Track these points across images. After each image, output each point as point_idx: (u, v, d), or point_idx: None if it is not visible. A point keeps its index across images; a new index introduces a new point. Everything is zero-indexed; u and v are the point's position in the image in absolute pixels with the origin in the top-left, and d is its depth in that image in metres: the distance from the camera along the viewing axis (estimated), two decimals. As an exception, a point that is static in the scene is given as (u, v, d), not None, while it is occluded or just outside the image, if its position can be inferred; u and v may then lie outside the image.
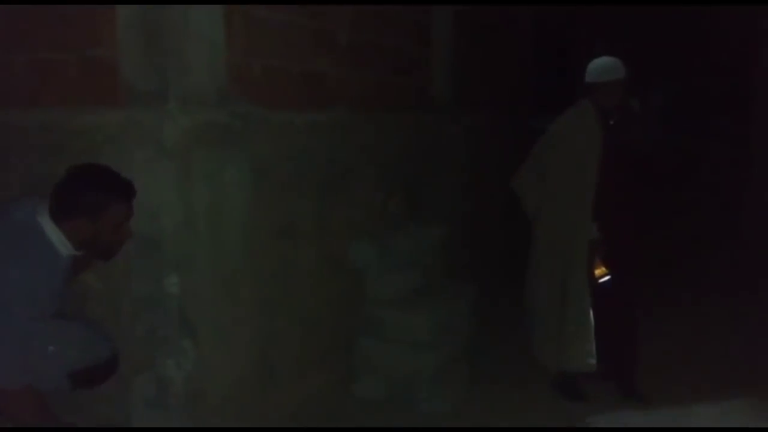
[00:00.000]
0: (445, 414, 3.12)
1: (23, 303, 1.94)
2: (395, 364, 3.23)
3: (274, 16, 2.65)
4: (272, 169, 2.64)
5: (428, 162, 4.04)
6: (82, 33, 2.31)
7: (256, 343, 2.65)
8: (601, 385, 3.34)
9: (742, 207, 6.00)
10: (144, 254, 2.25)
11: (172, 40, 2.20)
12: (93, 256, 2.16)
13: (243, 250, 2.51)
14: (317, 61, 2.98)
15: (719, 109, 6.59)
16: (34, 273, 1.95)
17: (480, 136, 4.78)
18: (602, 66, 3.15)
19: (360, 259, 3.29)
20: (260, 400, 2.69)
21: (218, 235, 2.38)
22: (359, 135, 3.29)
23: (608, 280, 3.13)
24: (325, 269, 3.07)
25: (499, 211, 5.14)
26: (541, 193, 3.27)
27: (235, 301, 2.49)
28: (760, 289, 4.96)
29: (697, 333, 4.21)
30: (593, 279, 3.12)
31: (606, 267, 3.12)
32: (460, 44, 4.40)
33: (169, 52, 2.20)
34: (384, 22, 3.53)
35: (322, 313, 3.07)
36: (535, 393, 3.35)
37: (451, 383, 3.29)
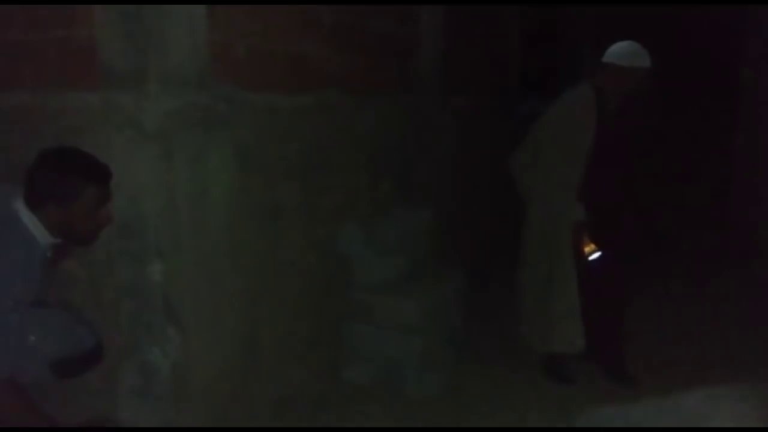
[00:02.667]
0: (434, 398, 3.11)
1: (11, 296, 1.89)
2: (383, 349, 3.21)
3: (257, -4, 2.59)
4: (256, 153, 2.59)
5: (416, 146, 4.00)
6: (59, 13, 2.24)
7: (243, 329, 2.61)
8: (591, 368, 3.34)
9: (731, 192, 6.02)
10: (126, 240, 2.21)
11: (153, 20, 2.13)
12: (71, 242, 2.10)
13: (227, 235, 2.47)
14: (303, 42, 2.93)
15: (707, 96, 6.60)
16: (10, 262, 1.89)
17: (468, 119, 4.75)
18: (630, 50, 3.03)
19: (347, 244, 3.26)
20: (247, 386, 2.66)
21: (201, 219, 2.34)
22: (346, 118, 3.25)
23: (598, 258, 3.10)
24: (311, 254, 3.03)
25: (488, 195, 5.12)
26: (534, 174, 3.25)
27: (220, 286, 2.45)
28: (749, 273, 4.98)
29: (687, 316, 4.23)
30: (582, 258, 3.11)
31: (595, 244, 3.09)
32: (449, 27, 4.35)
33: (150, 32, 2.14)
34: (371, 3, 3.47)
35: (309, 299, 3.04)
36: (524, 377, 3.35)
37: (440, 368, 3.28)
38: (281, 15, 2.75)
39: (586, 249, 3.09)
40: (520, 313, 3.41)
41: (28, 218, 1.97)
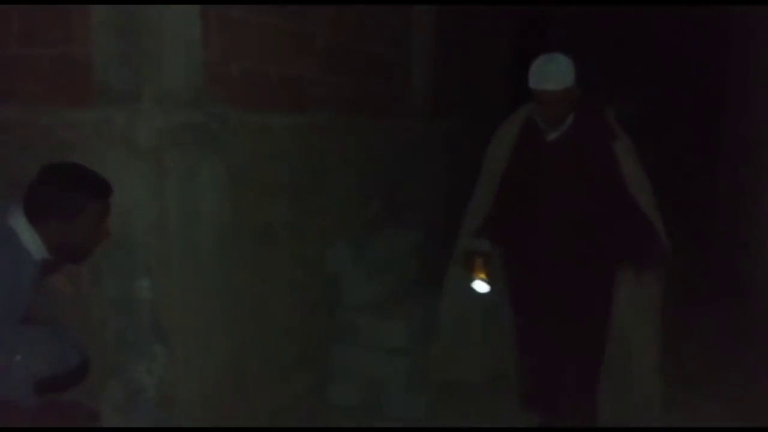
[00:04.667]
0: (419, 420, 3.11)
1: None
2: (370, 370, 3.21)
3: (251, 18, 2.62)
4: (248, 172, 2.61)
5: (406, 167, 4.03)
6: (55, 30, 2.26)
7: (230, 348, 2.60)
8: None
9: (714, 213, 6.07)
10: (115, 257, 2.21)
11: (148, 39, 2.16)
12: (68, 258, 2.08)
13: (217, 254, 2.47)
14: (295, 63, 2.96)
15: (691, 117, 6.69)
16: (3, 279, 1.86)
17: (458, 141, 4.79)
18: (535, 69, 2.53)
19: (336, 263, 3.27)
20: (233, 407, 2.65)
21: (192, 238, 2.34)
22: (337, 139, 3.27)
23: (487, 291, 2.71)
24: (300, 274, 3.04)
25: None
26: None
27: (208, 305, 2.45)
28: (728, 297, 5.02)
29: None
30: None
31: (486, 274, 2.70)
32: (439, 49, 4.41)
33: (144, 51, 2.16)
34: (363, 26, 3.52)
35: (297, 318, 3.04)
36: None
37: (426, 389, 3.28)
38: (274, 36, 2.79)
39: (475, 274, 2.69)
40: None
41: (26, 233, 1.95)
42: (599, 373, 2.84)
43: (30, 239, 1.95)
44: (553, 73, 2.49)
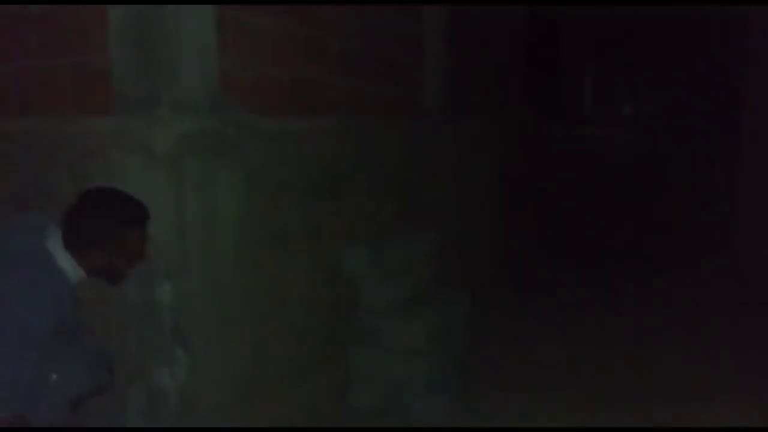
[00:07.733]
0: (438, 422, 3.11)
1: (31, 337, 1.83)
2: (388, 372, 3.21)
3: (266, 24, 2.65)
4: (264, 177, 2.63)
5: (421, 169, 4.04)
6: (73, 40, 2.30)
7: (250, 351, 2.62)
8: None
9: (734, 213, 6.02)
10: (136, 262, 2.23)
11: (164, 47, 2.19)
12: (106, 280, 2.09)
13: (235, 258, 2.49)
14: (309, 68, 2.98)
15: (710, 115, 6.63)
16: (37, 302, 1.84)
17: (472, 142, 4.79)
18: None
19: (353, 266, 3.28)
20: (254, 409, 2.67)
21: (210, 243, 2.37)
22: (352, 142, 3.29)
23: None
24: (318, 277, 3.05)
25: (492, 216, 5.15)
26: None
27: (228, 309, 2.47)
28: (753, 301, 4.97)
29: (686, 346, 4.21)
30: None
31: None
32: (452, 51, 4.41)
33: (161, 59, 2.19)
34: (376, 29, 3.53)
35: (316, 321, 3.05)
36: (529, 400, 3.34)
37: (444, 391, 3.28)
38: (288, 41, 2.81)
39: None
40: None
41: (64, 259, 1.95)
42: None
43: (67, 263, 1.96)
44: None
